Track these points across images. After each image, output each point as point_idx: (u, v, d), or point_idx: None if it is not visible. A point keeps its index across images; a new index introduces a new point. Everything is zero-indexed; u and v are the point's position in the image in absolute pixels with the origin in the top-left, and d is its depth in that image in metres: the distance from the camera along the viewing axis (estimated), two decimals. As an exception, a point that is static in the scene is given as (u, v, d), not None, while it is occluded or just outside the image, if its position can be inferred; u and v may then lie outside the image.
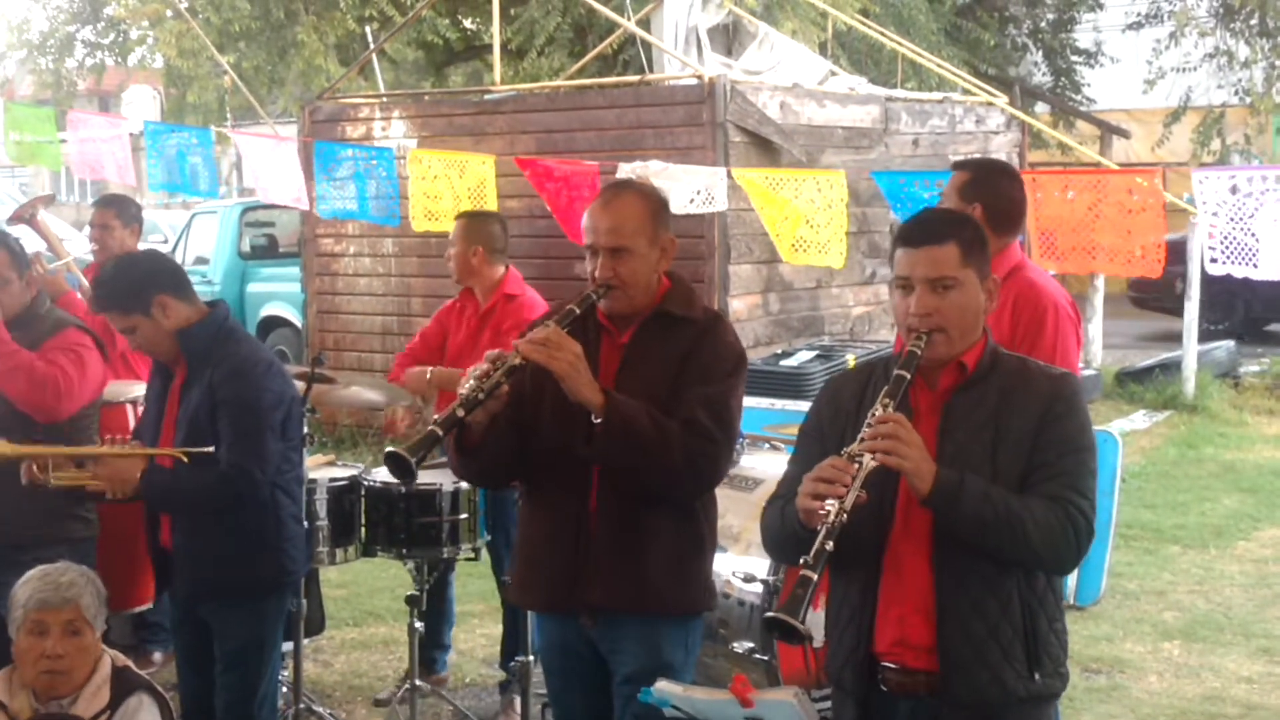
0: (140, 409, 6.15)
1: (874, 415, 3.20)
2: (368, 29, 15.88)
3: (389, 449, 3.58)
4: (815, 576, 3.01)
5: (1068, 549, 3.21)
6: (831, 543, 3.05)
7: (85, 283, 6.96)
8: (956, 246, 3.32)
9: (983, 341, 3.39)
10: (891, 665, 3.31)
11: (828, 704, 5.02)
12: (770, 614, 3.05)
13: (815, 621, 3.86)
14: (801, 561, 3.06)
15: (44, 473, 4.63)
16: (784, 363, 8.71)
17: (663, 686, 3.30)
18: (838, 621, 3.44)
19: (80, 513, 5.40)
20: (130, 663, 4.17)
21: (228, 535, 4.68)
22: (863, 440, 3.16)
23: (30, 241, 8.94)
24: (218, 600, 4.78)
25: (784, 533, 3.34)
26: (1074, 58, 20.44)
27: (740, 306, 10.37)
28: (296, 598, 5.56)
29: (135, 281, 4.72)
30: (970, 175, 4.99)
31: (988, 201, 4.87)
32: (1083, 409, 3.33)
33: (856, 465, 3.12)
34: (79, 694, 3.95)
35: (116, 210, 7.21)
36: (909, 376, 3.25)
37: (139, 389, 6.43)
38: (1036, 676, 3.26)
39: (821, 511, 3.09)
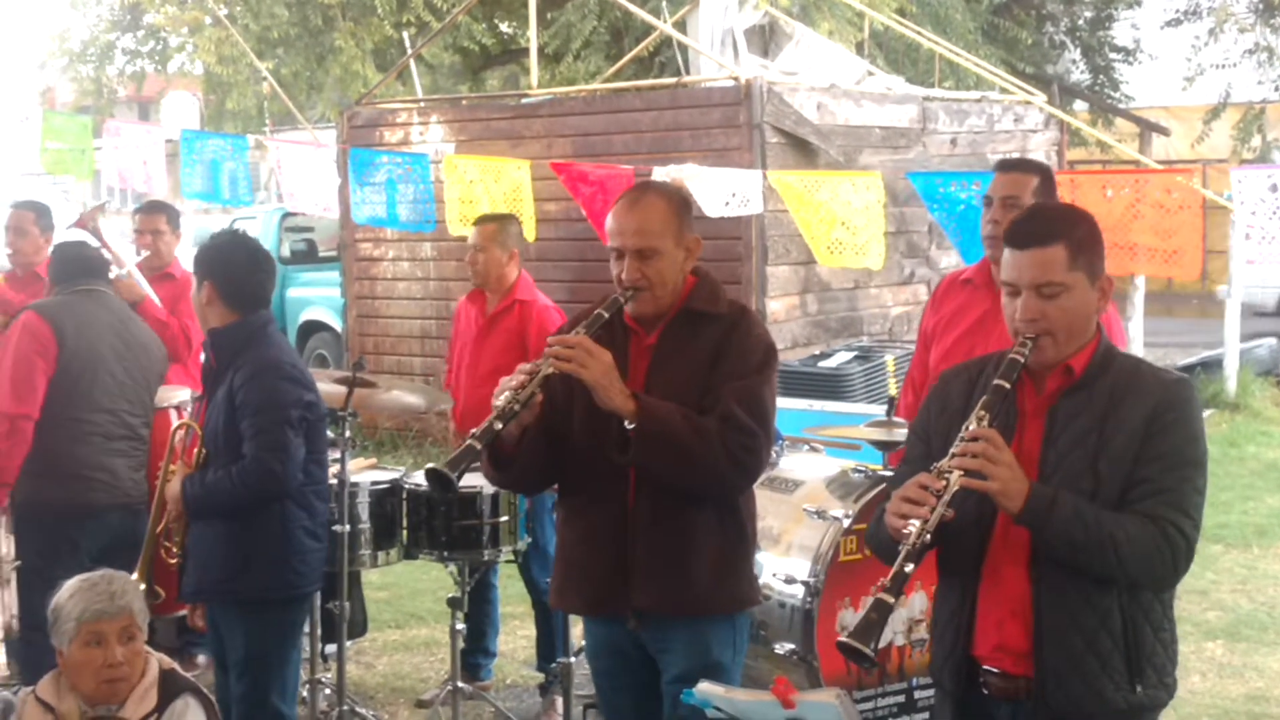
0: (184, 413, 6.26)
1: (967, 429, 3.13)
2: (405, 34, 15.93)
3: (429, 466, 3.61)
4: (892, 601, 2.97)
5: (1163, 569, 3.12)
6: (912, 565, 3.00)
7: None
8: (1065, 248, 3.19)
9: (1094, 343, 3.27)
10: (993, 670, 3.25)
11: (870, 705, 5.07)
12: (841, 640, 2.99)
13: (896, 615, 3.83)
14: (879, 584, 3.02)
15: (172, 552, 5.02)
16: (822, 364, 8.71)
17: (704, 688, 3.30)
18: (938, 620, 3.41)
19: None
20: (176, 665, 4.20)
21: (232, 541, 4.74)
22: (953, 456, 3.09)
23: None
24: (220, 605, 4.86)
25: (880, 541, 3.30)
26: (1112, 55, 20.29)
27: (778, 308, 10.37)
28: (332, 607, 5.63)
29: (209, 256, 4.86)
30: (1041, 178, 4.78)
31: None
32: (1195, 418, 3.20)
33: (943, 483, 3.06)
34: (127, 697, 3.98)
35: (167, 216, 7.32)
36: (1008, 387, 3.17)
37: (181, 394, 6.51)
38: (1138, 688, 3.17)
39: (905, 530, 3.05)
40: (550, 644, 6.30)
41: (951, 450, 3.12)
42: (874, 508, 3.81)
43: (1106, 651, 3.15)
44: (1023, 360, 3.18)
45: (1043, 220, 3.31)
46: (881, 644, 4.98)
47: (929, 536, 3.02)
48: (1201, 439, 3.21)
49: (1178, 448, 3.14)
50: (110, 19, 19.22)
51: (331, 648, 5.96)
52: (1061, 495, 3.08)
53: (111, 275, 6.76)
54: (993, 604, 3.24)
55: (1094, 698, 3.16)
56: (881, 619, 2.96)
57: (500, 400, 3.67)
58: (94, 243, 6.86)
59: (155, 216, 7.29)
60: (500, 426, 3.64)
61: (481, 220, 6.65)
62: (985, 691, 3.27)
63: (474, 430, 3.65)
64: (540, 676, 6.51)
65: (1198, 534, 3.16)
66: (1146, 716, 3.28)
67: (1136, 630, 3.17)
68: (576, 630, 5.68)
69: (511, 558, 6.00)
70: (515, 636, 7.30)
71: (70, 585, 4.04)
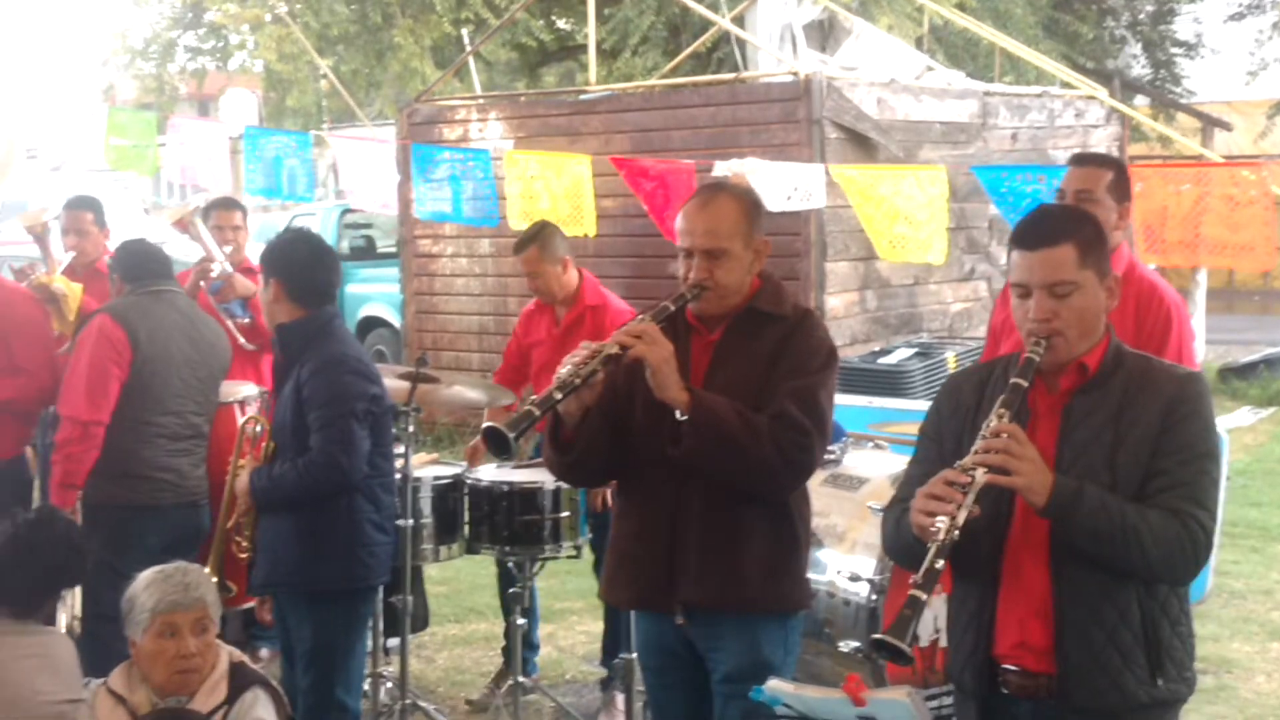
0: (247, 409, 6.31)
1: (988, 426, 3.14)
2: (463, 31, 16.01)
3: (487, 425, 3.64)
4: (924, 597, 2.96)
5: (1184, 563, 3.14)
6: (942, 561, 3.00)
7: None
8: (1074, 247, 3.22)
9: (1105, 341, 3.30)
10: (1012, 668, 3.26)
11: (935, 704, 5.03)
12: (877, 636, 3.00)
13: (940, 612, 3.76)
14: (911, 581, 3.02)
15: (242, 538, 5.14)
16: (882, 360, 8.67)
17: (774, 685, 3.29)
18: (957, 623, 3.40)
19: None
20: (245, 658, 4.24)
21: (302, 534, 4.79)
22: (976, 453, 3.10)
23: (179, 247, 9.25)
24: (289, 597, 4.92)
25: (900, 542, 3.32)
26: (1174, 49, 20.14)
27: (837, 304, 10.33)
28: (395, 601, 5.66)
29: (275, 254, 4.93)
30: (1115, 173, 4.74)
31: (1128, 201, 4.77)
32: (1207, 412, 3.22)
33: (969, 479, 3.07)
34: (198, 688, 4.01)
35: (243, 211, 7.41)
36: (1026, 385, 3.19)
37: (246, 389, 6.56)
38: (1159, 682, 3.19)
39: (933, 529, 3.05)
40: (616, 640, 6.28)
41: (974, 447, 3.13)
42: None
43: (1127, 646, 3.17)
44: (1037, 360, 3.21)
45: (1050, 221, 3.34)
46: (944, 644, 4.99)
47: (957, 533, 3.02)
48: (1214, 431, 3.24)
49: (1193, 441, 3.17)
50: (172, 16, 19.44)
51: (394, 642, 6.00)
52: (1087, 487, 3.10)
53: (215, 274, 6.88)
54: (1014, 603, 3.25)
55: (1116, 691, 3.17)
56: (915, 614, 2.95)
57: (563, 372, 3.70)
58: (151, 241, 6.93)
59: (233, 212, 7.36)
60: (560, 397, 3.66)
61: (520, 247, 6.40)
62: (1005, 690, 3.28)
63: (534, 398, 3.69)
64: (599, 672, 6.50)
65: (1215, 526, 3.18)
66: (1168, 711, 3.29)
67: (1155, 624, 3.19)
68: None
69: (573, 553, 5.99)
70: (574, 632, 7.30)
71: (145, 576, 4.08)
